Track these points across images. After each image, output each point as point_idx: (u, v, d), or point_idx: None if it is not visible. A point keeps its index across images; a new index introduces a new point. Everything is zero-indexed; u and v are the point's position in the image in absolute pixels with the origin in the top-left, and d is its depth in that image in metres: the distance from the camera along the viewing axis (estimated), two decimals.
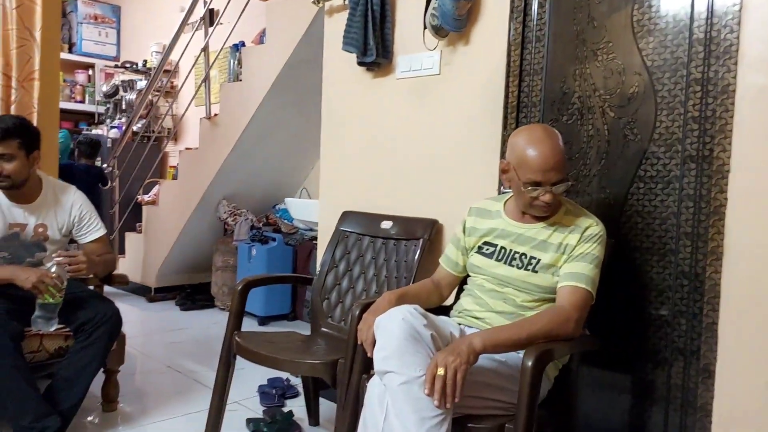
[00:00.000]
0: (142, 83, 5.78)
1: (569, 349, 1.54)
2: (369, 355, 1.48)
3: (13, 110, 2.69)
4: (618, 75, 1.82)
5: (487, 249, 1.67)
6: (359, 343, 1.55)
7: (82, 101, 6.31)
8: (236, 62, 4.80)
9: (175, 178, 4.79)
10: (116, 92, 5.92)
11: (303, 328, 2.62)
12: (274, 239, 3.92)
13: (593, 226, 1.57)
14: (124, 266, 4.52)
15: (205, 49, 4.25)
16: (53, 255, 2.05)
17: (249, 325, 3.65)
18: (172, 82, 5.73)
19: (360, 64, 2.38)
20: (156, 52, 5.89)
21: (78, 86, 6.32)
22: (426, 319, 1.43)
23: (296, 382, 2.61)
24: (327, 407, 2.36)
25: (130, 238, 4.72)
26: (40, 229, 2.17)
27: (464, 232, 1.75)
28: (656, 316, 1.74)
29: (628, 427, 1.80)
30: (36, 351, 2.07)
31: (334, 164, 2.63)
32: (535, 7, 1.98)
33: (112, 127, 5.76)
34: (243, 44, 4.75)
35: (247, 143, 3.91)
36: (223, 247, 4.21)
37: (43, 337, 2.08)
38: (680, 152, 1.69)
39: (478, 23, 2.11)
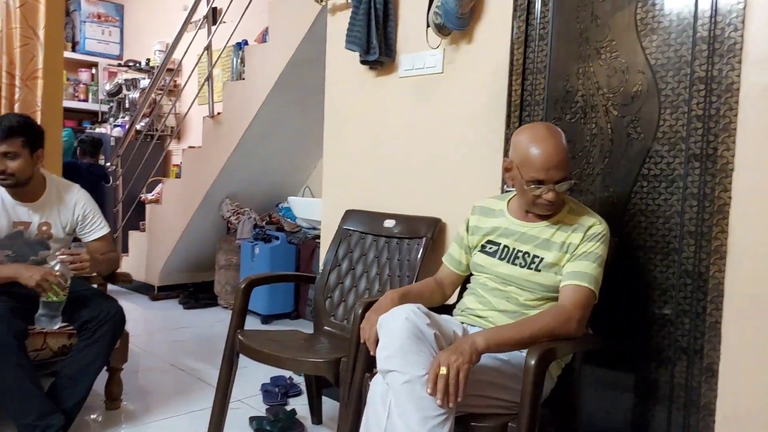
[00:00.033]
0: (145, 82, 5.79)
1: (572, 348, 1.54)
2: (372, 353, 1.48)
3: (16, 109, 2.70)
4: (621, 73, 1.81)
5: (491, 248, 1.67)
6: (362, 341, 1.55)
7: (86, 100, 6.32)
8: (239, 61, 4.80)
9: (178, 176, 4.80)
10: (119, 91, 5.93)
11: (306, 327, 2.62)
12: (277, 238, 3.92)
13: (596, 225, 1.57)
14: (128, 265, 4.53)
15: (208, 47, 4.25)
16: (57, 253, 2.06)
17: (252, 323, 3.66)
18: (175, 81, 5.74)
19: (363, 62, 2.38)
20: (159, 50, 5.90)
21: (81, 85, 6.34)
22: (429, 318, 1.43)
23: (299, 380, 2.62)
24: (330, 406, 2.36)
25: (134, 236, 4.73)
26: (44, 228, 2.18)
27: (467, 230, 1.75)
28: (659, 315, 1.74)
29: (631, 426, 1.80)
30: (40, 349, 2.07)
31: (337, 163, 2.63)
32: (538, 5, 1.97)
33: (116, 126, 5.78)
34: (246, 43, 4.76)
35: (250, 142, 3.92)
36: (226, 245, 4.22)
37: (46, 335, 2.08)
38: (684, 151, 1.69)
39: (481, 21, 2.11)
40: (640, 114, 1.78)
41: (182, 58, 4.81)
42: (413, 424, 1.29)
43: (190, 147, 4.88)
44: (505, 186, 2.00)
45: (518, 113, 2.01)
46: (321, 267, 2.39)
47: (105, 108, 6.18)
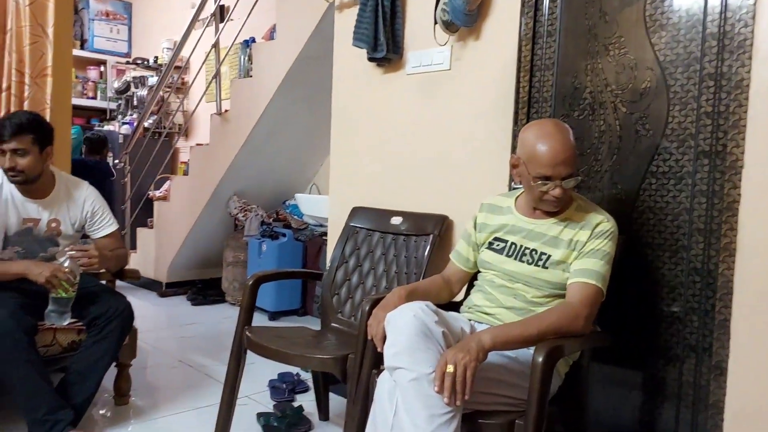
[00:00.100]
0: (153, 79, 5.81)
1: (580, 346, 1.54)
2: (379, 350, 1.48)
3: (26, 106, 2.72)
4: (630, 70, 1.80)
5: (498, 245, 1.67)
6: (369, 338, 1.55)
7: (94, 97, 6.35)
8: (247, 58, 4.81)
9: (186, 173, 4.82)
10: (128, 88, 5.95)
11: (313, 324, 2.63)
12: (284, 235, 3.93)
13: (604, 223, 1.56)
14: (136, 261, 4.55)
15: (215, 45, 4.26)
16: (66, 249, 2.07)
17: (259, 320, 3.66)
18: (182, 79, 5.75)
19: (370, 59, 2.38)
20: (167, 48, 5.92)
21: (90, 82, 6.37)
22: (437, 315, 1.43)
23: (306, 376, 2.62)
24: (337, 402, 2.37)
25: (142, 233, 4.75)
26: (53, 224, 2.19)
27: (475, 227, 1.75)
28: (668, 312, 1.73)
29: (639, 424, 1.79)
30: (49, 345, 2.09)
31: (344, 160, 2.63)
32: (546, 1, 1.97)
33: (124, 123, 5.80)
34: (253, 40, 4.76)
35: (258, 139, 3.92)
36: (234, 242, 4.23)
37: (56, 331, 2.10)
38: (693, 148, 1.68)
39: (488, 18, 2.10)
40: (649, 111, 1.77)
41: (190, 56, 4.82)
42: (420, 421, 1.30)
43: (197, 144, 4.89)
44: (513, 183, 1.99)
45: (526, 110, 2.01)
46: (328, 264, 2.39)
47: (113, 105, 6.20)
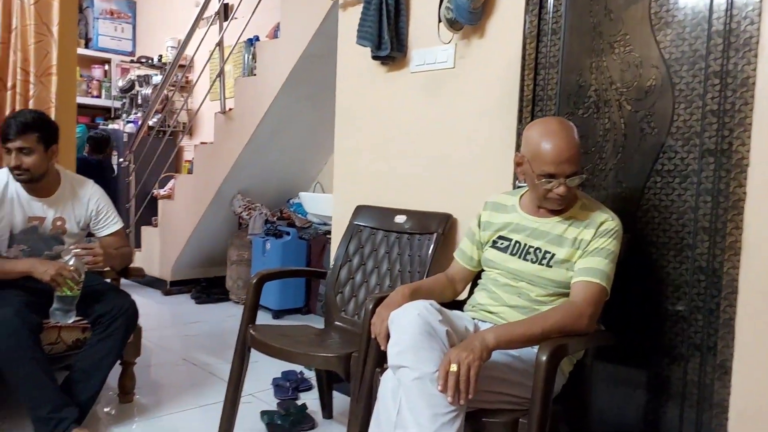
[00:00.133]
0: (157, 78, 5.82)
1: (584, 344, 1.54)
2: (383, 348, 1.48)
3: (31, 105, 2.73)
4: (635, 68, 1.80)
5: (502, 243, 1.66)
6: (373, 337, 1.55)
7: (99, 96, 6.36)
8: (251, 57, 4.81)
9: (190, 172, 4.83)
10: (132, 87, 5.96)
11: (317, 322, 2.63)
12: (288, 233, 3.94)
13: (608, 221, 1.56)
14: (140, 259, 4.57)
15: (219, 43, 4.27)
16: (71, 248, 2.08)
17: (263, 318, 3.66)
18: (187, 77, 5.76)
19: (374, 58, 2.38)
20: (171, 47, 5.93)
21: (94, 81, 6.38)
22: (442, 314, 1.43)
23: (310, 375, 2.63)
24: (340, 400, 2.37)
25: (146, 231, 4.77)
26: (59, 223, 2.20)
27: (479, 226, 1.74)
28: (672, 311, 1.73)
29: (643, 423, 1.79)
30: (54, 343, 2.10)
31: (348, 158, 2.63)
32: None
33: (128, 122, 5.81)
34: (257, 39, 4.76)
35: (262, 138, 3.93)
36: (238, 241, 4.24)
37: (61, 329, 2.11)
38: (698, 146, 1.67)
39: (493, 16, 2.10)
40: (654, 109, 1.76)
41: (194, 55, 4.82)
42: (424, 420, 1.30)
43: (202, 143, 4.90)
44: (517, 181, 1.99)
45: (530, 108, 2.00)
46: (332, 262, 2.39)
47: (118, 104, 6.21)
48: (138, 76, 5.97)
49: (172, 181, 4.81)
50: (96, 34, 6.36)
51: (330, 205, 2.78)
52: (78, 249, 2.04)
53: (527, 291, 1.59)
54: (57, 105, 2.78)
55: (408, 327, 1.39)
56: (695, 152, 1.68)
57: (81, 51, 5.61)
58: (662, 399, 1.75)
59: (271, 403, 2.41)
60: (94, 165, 4.50)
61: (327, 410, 2.31)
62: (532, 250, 1.60)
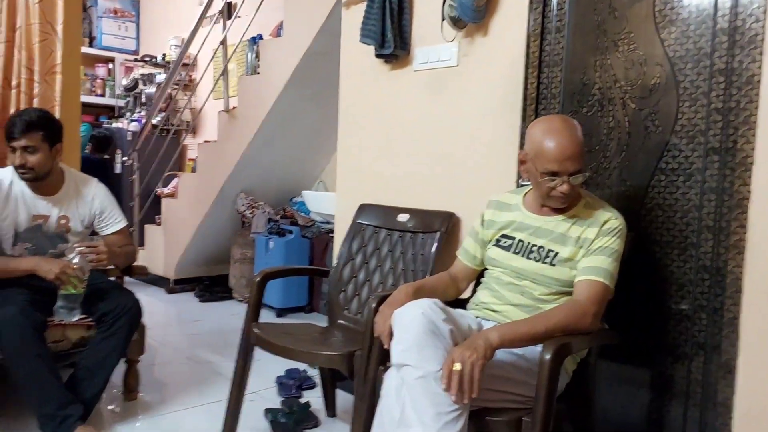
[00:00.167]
0: (161, 77, 5.82)
1: (587, 343, 1.53)
2: (386, 347, 1.48)
3: (35, 103, 2.73)
4: (639, 66, 1.79)
5: (505, 242, 1.66)
6: (376, 335, 1.55)
7: (102, 95, 6.37)
8: (254, 55, 4.81)
9: (193, 170, 4.83)
10: (136, 86, 5.96)
11: (320, 320, 2.63)
12: (291, 232, 3.94)
13: (612, 220, 1.55)
14: (144, 258, 4.57)
15: (223, 42, 4.26)
16: (75, 246, 2.08)
17: (266, 316, 3.66)
18: (190, 76, 5.76)
19: (378, 56, 2.38)
20: (175, 45, 5.92)
21: (98, 80, 6.38)
22: (445, 313, 1.43)
23: (313, 373, 2.63)
24: (344, 398, 2.37)
25: (150, 230, 4.77)
26: (63, 221, 2.21)
27: (482, 224, 1.74)
28: (676, 310, 1.72)
29: (647, 423, 1.78)
30: (59, 341, 2.10)
31: (351, 157, 2.63)
32: None
33: (132, 121, 5.82)
34: (261, 37, 4.76)
35: (265, 136, 3.93)
36: (241, 239, 4.24)
37: (65, 327, 2.11)
38: (703, 144, 1.67)
39: (496, 14, 2.09)
40: (658, 107, 1.76)
41: (197, 53, 4.82)
42: (427, 419, 1.30)
43: (205, 141, 4.90)
44: (521, 180, 1.99)
45: (534, 106, 2.00)
46: (335, 261, 2.39)
47: (121, 103, 6.22)
48: (142, 75, 5.97)
49: (176, 179, 4.81)
50: (100, 32, 6.36)
51: (333, 204, 2.78)
52: (82, 247, 2.05)
53: (530, 290, 1.58)
54: (61, 104, 2.78)
55: (411, 325, 1.39)
56: (700, 150, 1.67)
57: (85, 50, 5.61)
58: (666, 398, 1.75)
59: (275, 401, 2.41)
60: (96, 164, 4.51)
61: (330, 408, 2.31)
62: (535, 248, 1.60)
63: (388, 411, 1.40)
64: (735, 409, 1.60)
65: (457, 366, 1.29)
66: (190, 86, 5.75)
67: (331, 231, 3.36)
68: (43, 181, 2.16)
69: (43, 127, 2.10)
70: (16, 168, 2.11)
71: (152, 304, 4.09)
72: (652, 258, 1.76)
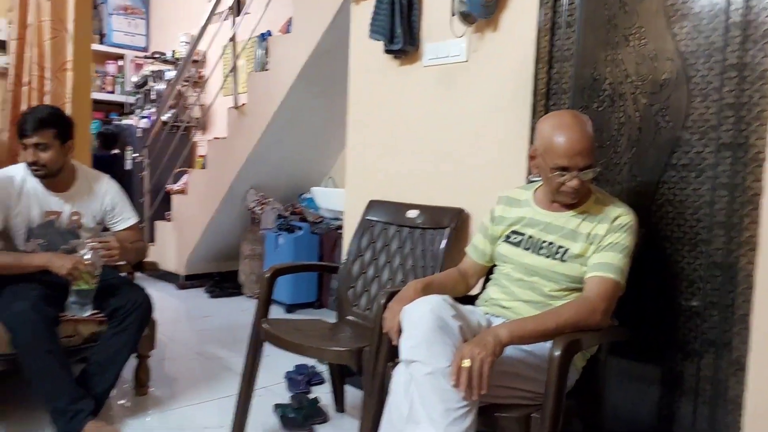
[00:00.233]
0: (170, 73, 5.84)
1: (597, 340, 1.53)
2: (394, 343, 1.48)
3: (47, 101, 2.75)
4: (650, 61, 1.78)
5: (515, 238, 1.66)
6: (385, 331, 1.56)
7: (113, 92, 6.40)
8: (263, 52, 4.82)
9: (203, 167, 4.85)
10: (145, 83, 5.99)
11: (329, 316, 2.64)
12: (300, 228, 3.95)
13: (623, 216, 1.54)
14: (155, 254, 4.60)
15: (232, 38, 4.27)
16: (87, 241, 2.10)
17: (276, 312, 3.69)
18: (200, 72, 5.78)
19: (387, 52, 2.37)
20: (184, 42, 5.94)
21: (108, 77, 6.42)
22: (455, 309, 1.43)
23: (322, 369, 2.64)
24: (352, 394, 2.38)
25: (160, 226, 4.80)
26: (75, 217, 2.22)
27: (492, 220, 1.74)
28: (687, 306, 1.71)
29: (657, 419, 1.78)
30: (71, 336, 2.12)
31: (360, 153, 2.63)
32: None
33: (142, 117, 5.85)
34: (270, 33, 4.77)
35: (275, 132, 3.94)
36: (251, 235, 4.26)
37: (77, 323, 2.13)
38: (714, 140, 1.65)
39: (506, 9, 2.08)
40: (669, 102, 1.74)
41: (207, 50, 4.84)
42: (436, 415, 1.30)
43: (215, 138, 4.92)
44: (531, 176, 1.98)
45: (544, 102, 1.99)
46: (344, 257, 2.40)
47: (132, 99, 6.25)
48: (152, 72, 5.99)
49: (186, 176, 4.84)
50: (110, 29, 6.39)
51: (342, 200, 2.78)
52: (94, 243, 2.06)
53: (540, 286, 1.58)
54: (72, 100, 2.81)
55: (420, 322, 1.39)
56: (711, 146, 1.66)
57: (95, 47, 5.63)
58: (676, 395, 1.74)
59: (284, 397, 2.42)
60: (102, 161, 4.54)
61: (339, 404, 2.32)
62: (545, 244, 1.59)
63: (397, 407, 1.40)
64: (745, 406, 1.59)
65: (466, 362, 1.29)
66: (199, 83, 5.77)
67: (340, 227, 3.37)
68: (55, 178, 2.18)
69: (55, 124, 2.12)
70: (29, 165, 2.13)
71: (163, 299, 4.12)
72: (663, 254, 1.75)
